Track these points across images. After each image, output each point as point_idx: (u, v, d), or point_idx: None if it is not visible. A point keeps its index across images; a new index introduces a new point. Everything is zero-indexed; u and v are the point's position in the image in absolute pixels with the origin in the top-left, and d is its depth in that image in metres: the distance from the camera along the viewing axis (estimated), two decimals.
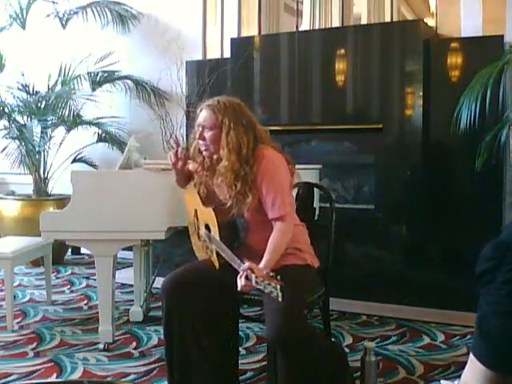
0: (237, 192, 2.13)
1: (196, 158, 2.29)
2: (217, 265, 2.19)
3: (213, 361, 2.21)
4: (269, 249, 2.06)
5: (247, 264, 1.90)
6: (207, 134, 2.18)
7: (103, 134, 5.17)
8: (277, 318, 1.94)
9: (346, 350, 2.84)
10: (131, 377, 2.50)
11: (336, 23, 4.72)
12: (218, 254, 2.16)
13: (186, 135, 4.91)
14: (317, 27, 4.82)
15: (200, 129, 2.20)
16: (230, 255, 2.03)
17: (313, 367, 1.99)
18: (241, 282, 1.88)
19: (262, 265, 1.98)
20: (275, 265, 2.05)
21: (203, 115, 2.20)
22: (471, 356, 0.89)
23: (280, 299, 1.69)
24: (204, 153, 2.23)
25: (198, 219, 2.33)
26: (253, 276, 1.82)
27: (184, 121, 4.92)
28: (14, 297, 3.43)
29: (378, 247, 3.89)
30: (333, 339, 2.65)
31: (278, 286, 1.70)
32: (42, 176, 5.02)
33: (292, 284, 1.94)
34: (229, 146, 2.13)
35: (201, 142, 2.20)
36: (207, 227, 2.25)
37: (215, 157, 2.22)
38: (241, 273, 1.88)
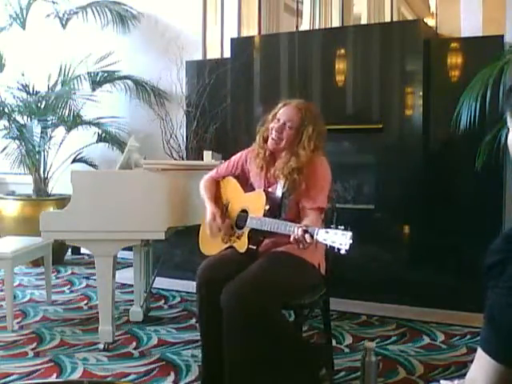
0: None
1: (258, 143, 2.37)
2: (244, 248, 2.21)
3: None
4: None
5: (303, 223, 1.99)
6: (286, 131, 2.27)
7: (103, 134, 5.16)
8: (234, 284, 1.98)
9: (346, 350, 2.85)
10: (131, 377, 2.50)
11: (336, 23, 4.72)
12: (248, 237, 2.20)
13: (186, 135, 4.92)
14: (317, 27, 4.82)
15: (282, 123, 2.28)
16: (274, 223, 2.06)
17: (262, 350, 1.97)
18: (304, 239, 1.88)
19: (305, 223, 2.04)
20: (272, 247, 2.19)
21: (289, 113, 2.29)
22: (479, 351, 0.87)
23: (347, 247, 1.73)
24: (270, 144, 2.30)
25: (227, 210, 2.39)
26: (316, 229, 1.85)
27: (184, 121, 4.92)
28: (14, 297, 3.42)
29: (378, 247, 3.88)
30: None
31: (350, 234, 1.74)
32: (42, 176, 5.02)
33: (271, 267, 2.04)
34: (310, 147, 2.23)
35: (275, 133, 2.27)
36: (244, 211, 2.30)
37: (279, 149, 2.29)
38: (300, 231, 1.89)
